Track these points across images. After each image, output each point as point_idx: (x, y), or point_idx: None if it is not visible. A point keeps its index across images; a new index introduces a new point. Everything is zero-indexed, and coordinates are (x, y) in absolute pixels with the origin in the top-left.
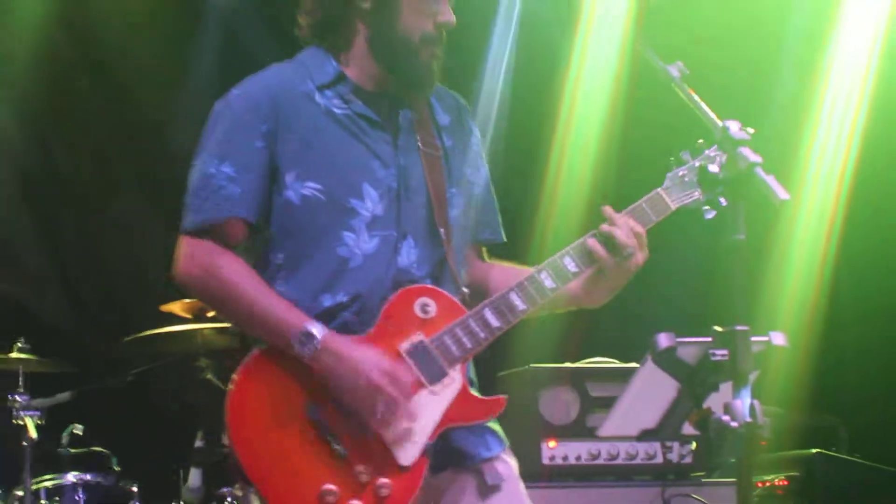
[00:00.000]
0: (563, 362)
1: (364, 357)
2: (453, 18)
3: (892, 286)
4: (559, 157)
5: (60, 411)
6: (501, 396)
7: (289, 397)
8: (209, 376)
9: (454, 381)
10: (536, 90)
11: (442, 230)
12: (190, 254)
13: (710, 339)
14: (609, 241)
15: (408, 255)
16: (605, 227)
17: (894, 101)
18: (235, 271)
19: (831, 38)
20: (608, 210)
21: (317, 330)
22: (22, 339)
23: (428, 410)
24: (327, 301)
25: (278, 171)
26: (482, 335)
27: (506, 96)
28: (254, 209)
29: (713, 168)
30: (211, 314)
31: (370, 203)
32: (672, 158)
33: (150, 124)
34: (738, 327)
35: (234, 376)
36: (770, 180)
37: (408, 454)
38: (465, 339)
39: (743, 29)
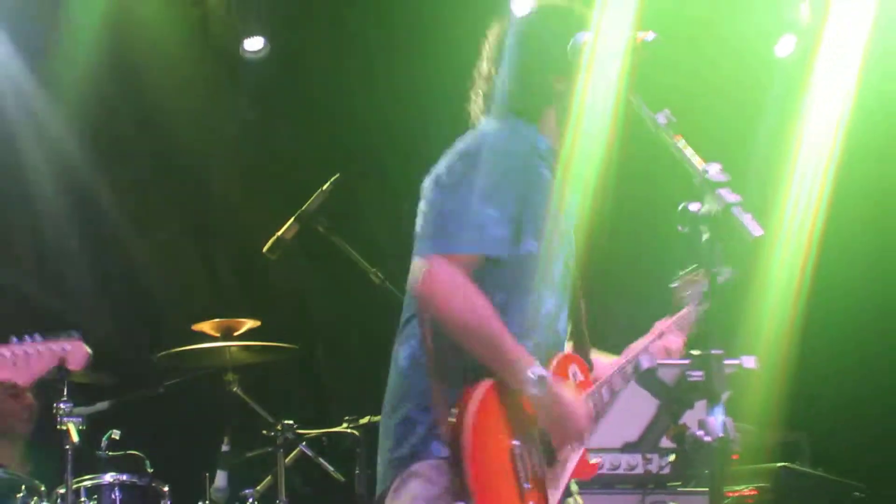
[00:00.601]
0: None
1: (578, 404)
2: None
3: (857, 318)
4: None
5: (100, 418)
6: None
7: (504, 428)
8: (235, 389)
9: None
10: None
11: (580, 302)
12: (439, 274)
13: (687, 361)
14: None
15: (563, 321)
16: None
17: (863, 149)
18: (484, 303)
19: (808, 89)
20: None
21: (546, 373)
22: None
23: (571, 463)
24: (525, 346)
25: (520, 224)
26: (603, 405)
27: None
28: (502, 252)
29: (693, 207)
30: (237, 333)
31: (558, 268)
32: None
33: (186, 163)
34: (713, 351)
35: (466, 404)
36: (746, 218)
37: (555, 497)
38: (593, 406)
39: (728, 82)
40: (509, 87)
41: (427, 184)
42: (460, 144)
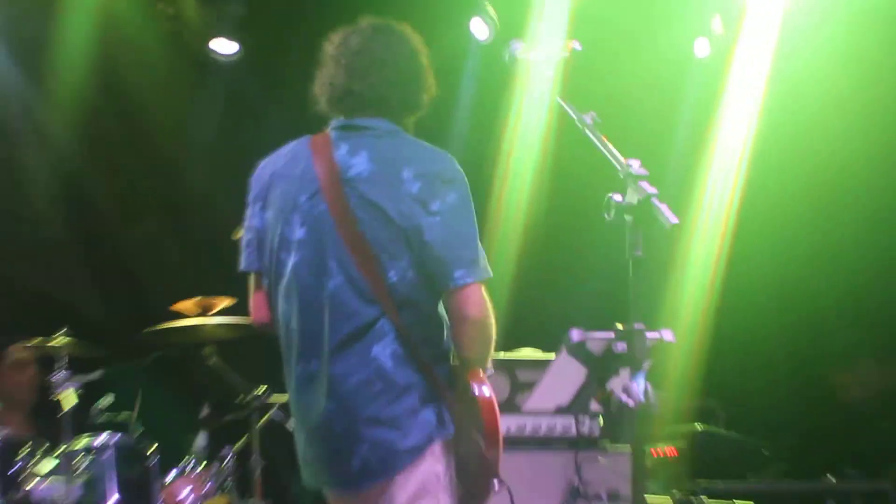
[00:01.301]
0: (497, 353)
1: None
2: None
3: (766, 296)
4: (501, 186)
5: (95, 386)
6: None
7: None
8: (213, 360)
9: None
10: (484, 134)
11: None
12: (486, 300)
13: (612, 334)
14: None
15: None
16: None
17: (773, 143)
18: None
19: (722, 91)
20: None
21: None
22: (65, 328)
23: None
24: None
25: None
26: None
27: (462, 137)
28: None
29: (617, 198)
30: (214, 310)
31: None
32: None
33: (166, 157)
34: (636, 325)
35: (488, 391)
36: (663, 208)
37: None
38: None
39: (650, 82)
40: (402, 104)
41: (407, 201)
42: (439, 166)
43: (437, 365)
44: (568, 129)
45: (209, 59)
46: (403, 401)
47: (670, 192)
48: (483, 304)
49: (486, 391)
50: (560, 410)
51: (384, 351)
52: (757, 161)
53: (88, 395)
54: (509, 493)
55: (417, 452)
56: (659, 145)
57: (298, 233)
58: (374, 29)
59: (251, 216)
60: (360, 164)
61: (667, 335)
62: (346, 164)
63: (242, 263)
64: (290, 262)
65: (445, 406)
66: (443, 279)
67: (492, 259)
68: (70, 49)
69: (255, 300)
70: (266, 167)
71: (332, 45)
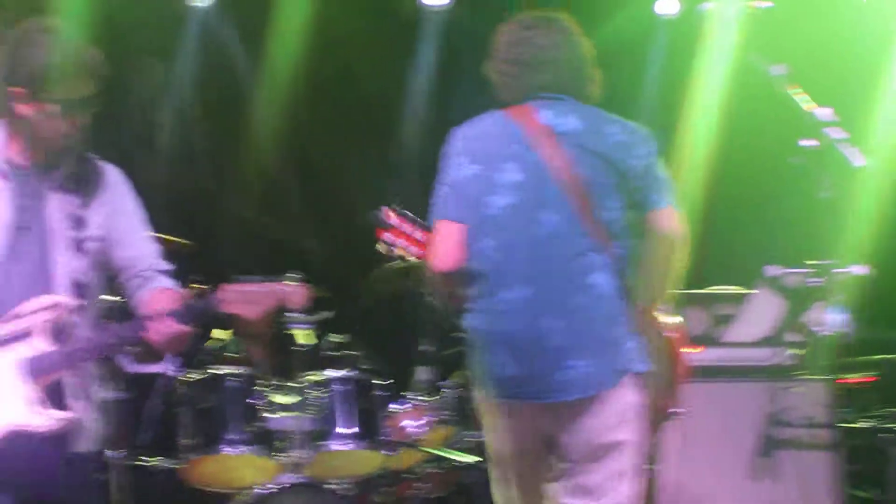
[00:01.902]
0: (698, 289)
1: None
2: None
3: None
4: (692, 134)
5: (325, 325)
6: None
7: None
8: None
9: None
10: (676, 86)
11: None
12: (682, 222)
13: (807, 270)
14: None
15: None
16: None
17: None
18: None
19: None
20: None
21: None
22: (293, 273)
23: None
24: None
25: None
26: None
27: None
28: None
29: (805, 143)
30: None
31: None
32: None
33: (379, 116)
34: (829, 261)
35: (675, 331)
36: (850, 152)
37: None
38: None
39: (830, 37)
40: (578, 95)
41: (617, 147)
42: (634, 125)
43: (635, 301)
44: (758, 81)
45: (420, 15)
46: (614, 328)
47: (856, 134)
48: (680, 224)
49: (673, 331)
50: (758, 342)
51: (599, 280)
52: None
53: (318, 334)
54: (680, 423)
55: (620, 377)
56: (846, 91)
57: (514, 177)
58: (546, 26)
59: (452, 168)
60: (570, 122)
61: (857, 269)
62: (554, 122)
63: (447, 213)
64: (502, 203)
65: (642, 340)
66: (648, 203)
67: (687, 205)
68: (288, 17)
69: (447, 248)
70: (466, 128)
71: (505, 42)
